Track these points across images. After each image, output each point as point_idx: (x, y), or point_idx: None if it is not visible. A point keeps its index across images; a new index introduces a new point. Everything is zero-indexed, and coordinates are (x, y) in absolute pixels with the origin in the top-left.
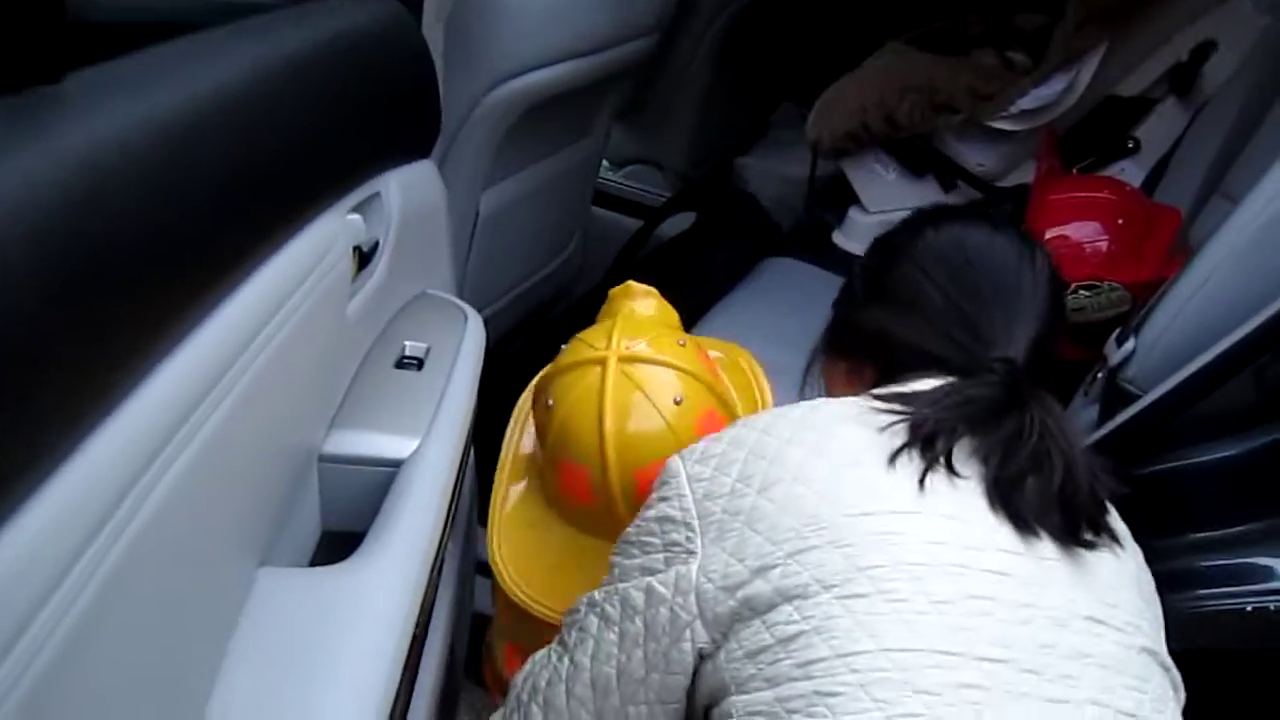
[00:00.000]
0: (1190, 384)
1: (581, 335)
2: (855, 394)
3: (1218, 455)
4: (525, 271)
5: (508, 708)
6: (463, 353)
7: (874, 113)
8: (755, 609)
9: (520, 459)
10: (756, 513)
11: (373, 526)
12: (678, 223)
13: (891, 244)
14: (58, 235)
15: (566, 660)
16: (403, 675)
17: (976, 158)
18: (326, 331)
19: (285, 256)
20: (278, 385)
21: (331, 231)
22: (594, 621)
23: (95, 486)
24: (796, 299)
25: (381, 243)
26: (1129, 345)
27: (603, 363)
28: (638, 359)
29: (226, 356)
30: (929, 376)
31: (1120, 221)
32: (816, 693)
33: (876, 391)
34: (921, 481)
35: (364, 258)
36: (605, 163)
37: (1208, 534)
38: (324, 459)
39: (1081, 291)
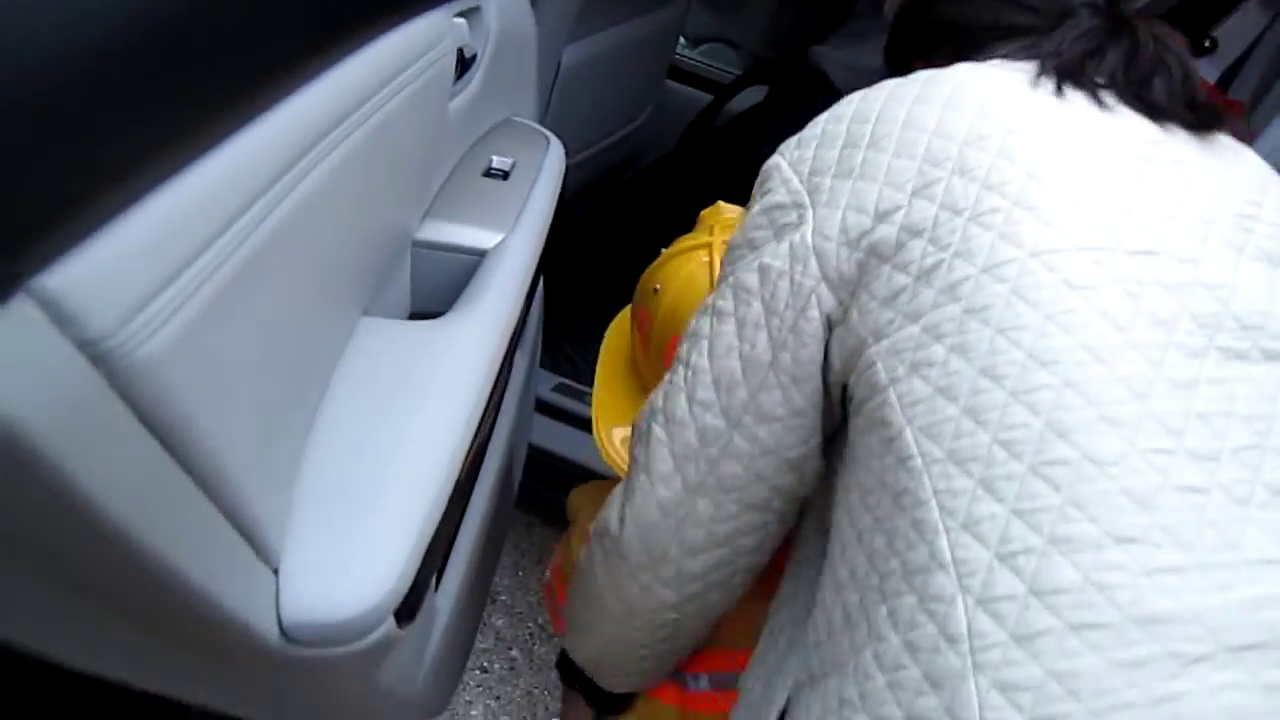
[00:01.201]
0: None
1: (681, 238)
2: None
3: None
4: (600, 132)
5: (631, 450)
6: (545, 169)
7: None
8: (883, 255)
9: (619, 372)
10: (869, 166)
11: (462, 295)
12: (750, 99)
13: None
14: None
15: (682, 370)
16: (477, 428)
17: None
18: (429, 120)
19: (400, 35)
20: (387, 150)
21: (439, 26)
22: (707, 322)
23: (241, 176)
24: None
25: (480, 55)
26: None
27: (709, 246)
28: None
29: (348, 104)
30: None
31: None
32: (966, 311)
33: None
34: (1095, 99)
35: (464, 64)
36: (682, 40)
37: None
38: (417, 244)
39: None
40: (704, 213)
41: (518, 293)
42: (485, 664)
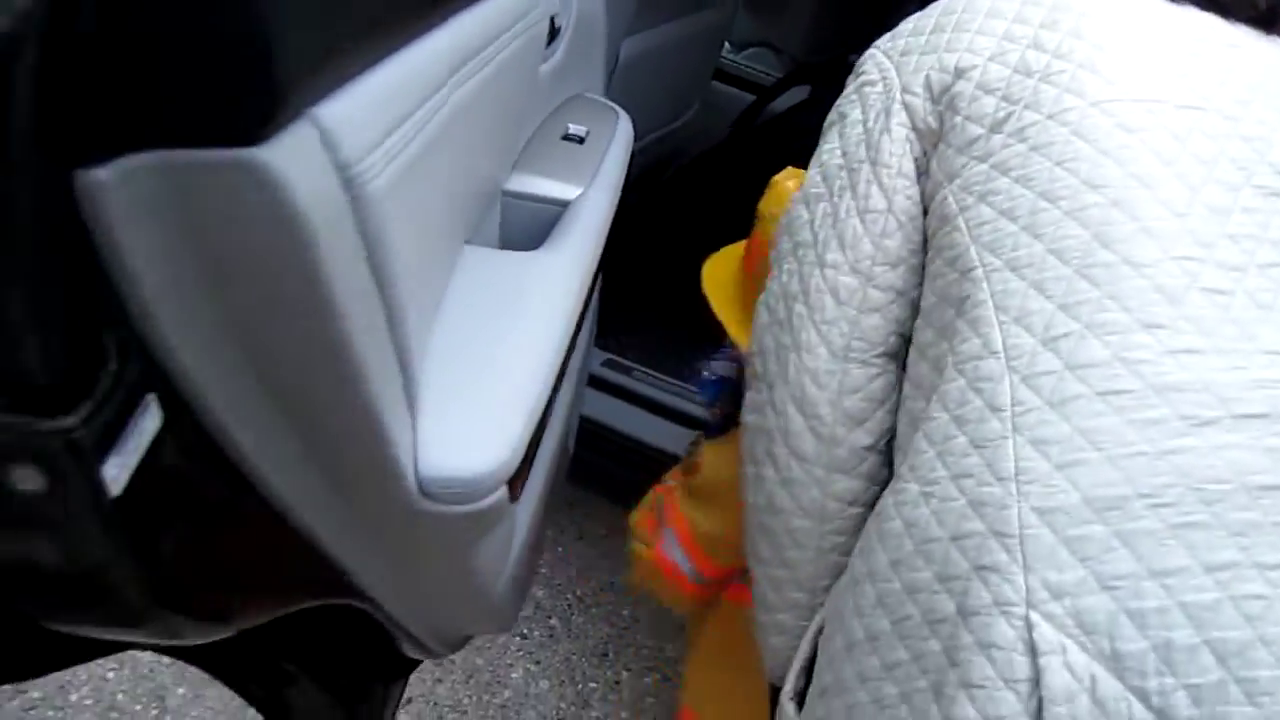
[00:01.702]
0: None
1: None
2: None
3: None
4: (652, 124)
5: (761, 347)
6: (616, 137)
7: None
8: (957, 108)
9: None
10: (952, 42)
11: (551, 234)
12: (790, 101)
13: None
14: None
15: (810, 250)
16: (568, 350)
17: None
18: (526, 76)
19: None
20: (497, 94)
21: None
22: (825, 205)
23: (422, 73)
24: None
25: (564, 28)
26: None
27: None
28: None
29: (481, 39)
30: None
31: None
32: (1032, 149)
33: None
34: None
35: (552, 34)
36: (727, 44)
37: None
38: (507, 194)
39: None
40: (775, 179)
41: (599, 237)
42: (525, 631)
